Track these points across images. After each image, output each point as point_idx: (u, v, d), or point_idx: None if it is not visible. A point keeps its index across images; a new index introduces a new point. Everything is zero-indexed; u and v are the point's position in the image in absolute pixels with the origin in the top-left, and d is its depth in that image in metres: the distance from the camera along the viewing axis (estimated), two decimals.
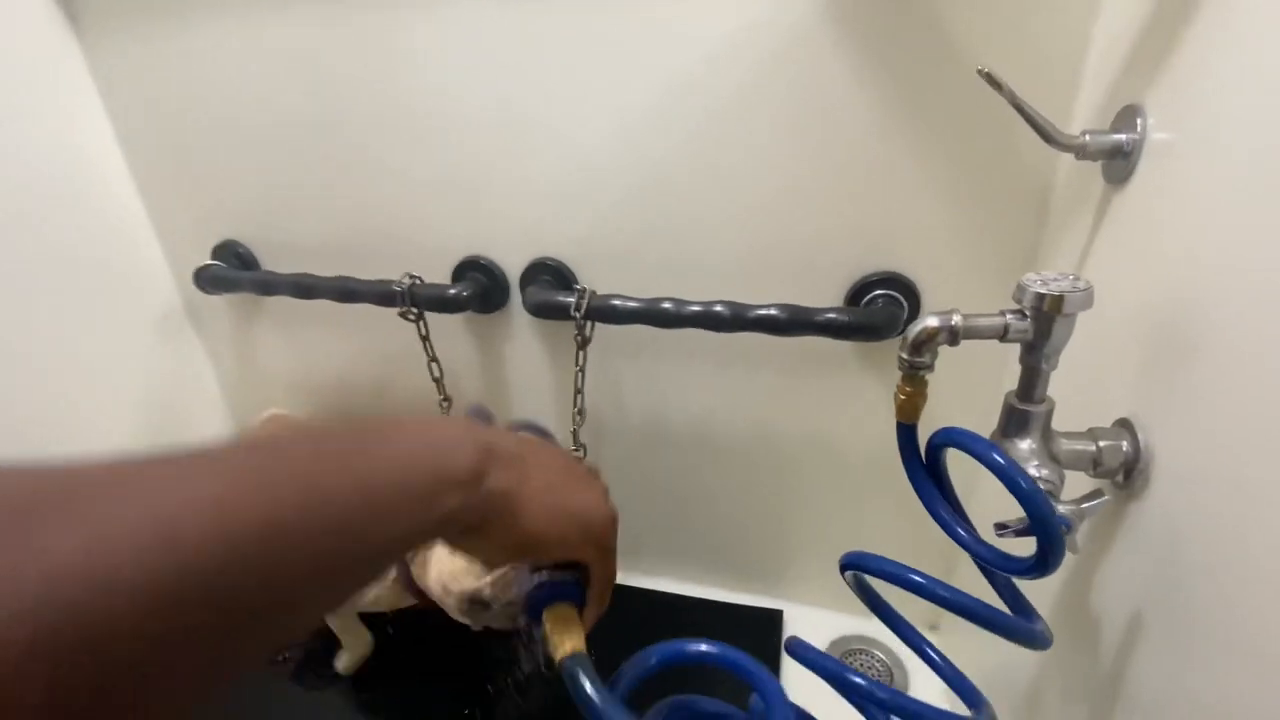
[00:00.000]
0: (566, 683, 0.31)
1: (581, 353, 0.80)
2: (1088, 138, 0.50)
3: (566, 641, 0.32)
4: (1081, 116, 0.57)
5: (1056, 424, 0.46)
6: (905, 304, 0.70)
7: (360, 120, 0.80)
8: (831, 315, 0.69)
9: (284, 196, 0.89)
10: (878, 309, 0.70)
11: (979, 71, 0.49)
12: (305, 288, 0.87)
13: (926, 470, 0.48)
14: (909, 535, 0.70)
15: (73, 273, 0.89)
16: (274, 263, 0.94)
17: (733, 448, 0.88)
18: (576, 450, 0.87)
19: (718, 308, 0.72)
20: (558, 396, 0.91)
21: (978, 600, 0.44)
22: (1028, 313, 0.42)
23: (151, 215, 0.97)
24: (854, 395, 0.78)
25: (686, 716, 0.45)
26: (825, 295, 0.73)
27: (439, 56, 0.74)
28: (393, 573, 0.75)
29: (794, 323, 0.70)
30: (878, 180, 0.67)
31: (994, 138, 0.61)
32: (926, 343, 0.44)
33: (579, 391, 0.83)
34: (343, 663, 0.88)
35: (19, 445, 0.84)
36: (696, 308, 0.72)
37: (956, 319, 0.43)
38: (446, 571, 0.68)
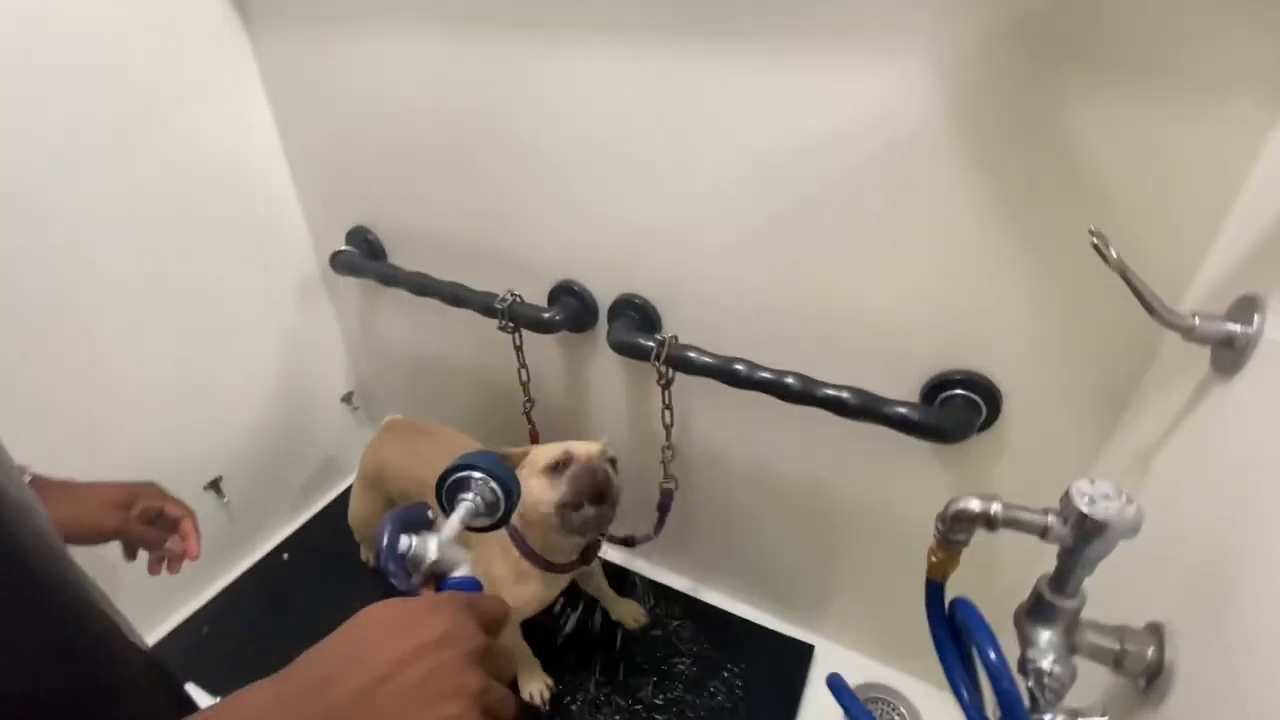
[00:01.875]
0: None
1: (666, 392, 0.84)
2: (1197, 320, 0.46)
3: None
4: (1197, 294, 0.53)
5: (1088, 610, 0.46)
6: (984, 408, 0.69)
7: (483, 142, 0.85)
8: (902, 410, 0.69)
9: (411, 195, 0.97)
10: (951, 410, 0.69)
11: (1090, 233, 0.47)
12: (421, 287, 0.96)
13: (949, 628, 0.50)
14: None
15: (234, 237, 1.02)
16: (397, 248, 1.04)
17: (790, 494, 0.90)
18: (668, 483, 0.90)
19: (788, 379, 0.73)
20: (633, 417, 0.97)
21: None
22: (1068, 521, 0.42)
23: (300, 195, 1.08)
24: (919, 474, 0.78)
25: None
26: (903, 383, 0.72)
27: (565, 95, 0.77)
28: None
29: (862, 409, 0.70)
30: (975, 281, 0.65)
31: (1105, 276, 0.57)
32: (964, 522, 0.45)
33: (668, 427, 0.87)
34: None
35: (186, 368, 1.01)
36: (767, 374, 0.74)
37: (996, 507, 0.44)
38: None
